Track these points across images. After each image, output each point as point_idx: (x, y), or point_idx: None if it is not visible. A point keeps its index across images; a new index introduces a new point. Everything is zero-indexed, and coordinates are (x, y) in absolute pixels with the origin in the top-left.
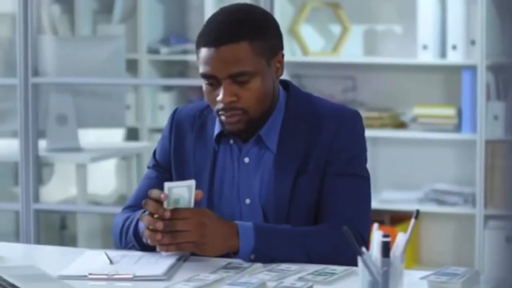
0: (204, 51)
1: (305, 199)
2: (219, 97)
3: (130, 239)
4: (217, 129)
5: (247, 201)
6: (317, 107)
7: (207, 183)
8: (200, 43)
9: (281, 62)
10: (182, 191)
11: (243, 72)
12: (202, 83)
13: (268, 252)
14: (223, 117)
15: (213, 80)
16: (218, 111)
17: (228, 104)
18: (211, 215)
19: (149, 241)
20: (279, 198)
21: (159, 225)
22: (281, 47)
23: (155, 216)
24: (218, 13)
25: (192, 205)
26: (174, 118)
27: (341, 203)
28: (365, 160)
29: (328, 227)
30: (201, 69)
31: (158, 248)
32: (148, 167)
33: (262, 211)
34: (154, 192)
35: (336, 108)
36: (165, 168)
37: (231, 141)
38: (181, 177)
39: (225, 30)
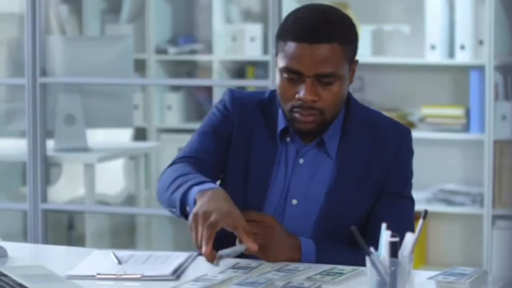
0: (292, 46)
1: (359, 209)
2: (301, 95)
3: (174, 202)
4: (281, 125)
5: (294, 201)
6: (378, 119)
7: (266, 178)
8: (288, 37)
9: (354, 70)
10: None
11: (330, 74)
12: (278, 76)
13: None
14: (297, 115)
15: (295, 76)
16: (293, 107)
17: (309, 102)
18: (278, 222)
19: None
20: (337, 205)
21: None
22: (357, 53)
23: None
24: (306, 10)
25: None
26: (235, 96)
27: (395, 226)
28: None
29: None
30: (285, 62)
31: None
32: (196, 134)
33: (310, 216)
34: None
35: (394, 122)
36: (219, 135)
37: (288, 139)
38: (235, 159)
39: (320, 28)
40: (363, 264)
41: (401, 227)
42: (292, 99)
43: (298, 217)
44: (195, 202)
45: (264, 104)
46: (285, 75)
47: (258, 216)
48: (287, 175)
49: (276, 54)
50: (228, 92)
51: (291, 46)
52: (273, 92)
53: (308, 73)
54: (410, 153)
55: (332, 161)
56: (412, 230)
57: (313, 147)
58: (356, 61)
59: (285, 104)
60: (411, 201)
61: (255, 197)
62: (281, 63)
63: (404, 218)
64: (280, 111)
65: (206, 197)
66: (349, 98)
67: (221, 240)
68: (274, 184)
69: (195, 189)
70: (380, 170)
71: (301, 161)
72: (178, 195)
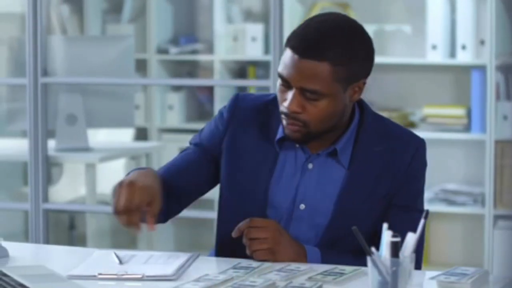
0: (288, 53)
1: (367, 221)
2: (286, 103)
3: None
4: (282, 131)
5: (302, 206)
6: (391, 130)
7: (264, 182)
8: (287, 43)
9: (360, 88)
10: None
11: (314, 91)
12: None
13: None
14: (284, 121)
15: (285, 83)
16: (281, 112)
17: (292, 113)
18: (283, 229)
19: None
20: (345, 214)
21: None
22: (364, 74)
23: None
24: (314, 21)
25: None
26: (237, 105)
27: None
28: (424, 193)
29: None
30: (280, 67)
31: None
32: (190, 143)
33: (317, 222)
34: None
35: (408, 133)
36: (208, 150)
37: (297, 145)
38: (233, 168)
39: (313, 44)
40: None
41: None
42: (282, 105)
43: (305, 222)
44: None
45: (268, 108)
46: (279, 81)
47: (263, 222)
48: (295, 179)
49: None
50: (232, 99)
51: (286, 53)
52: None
53: (294, 84)
54: (423, 165)
55: (344, 170)
56: (422, 243)
57: (323, 154)
58: (362, 81)
59: (279, 109)
60: (421, 215)
61: (255, 202)
62: (278, 68)
63: (414, 231)
64: None
65: (137, 171)
66: (363, 107)
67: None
68: (279, 188)
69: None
70: (391, 183)
71: (310, 166)
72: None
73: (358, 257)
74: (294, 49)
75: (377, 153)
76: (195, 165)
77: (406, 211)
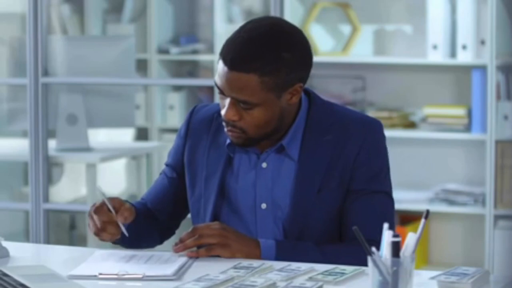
0: (220, 63)
1: (326, 211)
2: (223, 111)
3: None
4: None
5: (263, 205)
6: (340, 118)
7: (216, 187)
8: (221, 53)
9: (298, 91)
10: None
11: (245, 101)
12: None
13: None
14: (225, 128)
15: (221, 91)
16: (222, 119)
17: (229, 121)
18: (228, 225)
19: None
20: (300, 208)
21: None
22: (300, 79)
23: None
24: (244, 30)
25: None
26: (191, 118)
27: (365, 222)
28: (388, 172)
29: (352, 245)
30: (215, 76)
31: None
32: (165, 164)
33: (280, 218)
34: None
35: (359, 118)
36: (174, 167)
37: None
38: (193, 179)
39: (239, 56)
40: (331, 262)
41: (370, 221)
42: (221, 113)
43: (270, 220)
44: None
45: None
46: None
47: (206, 224)
48: (251, 180)
49: None
50: (188, 113)
51: (219, 64)
52: None
53: (227, 94)
54: (378, 147)
55: (294, 163)
56: (389, 224)
57: (272, 150)
58: (298, 85)
59: None
60: (384, 195)
61: (211, 206)
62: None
63: (373, 213)
64: None
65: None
66: (312, 99)
67: None
68: (239, 190)
69: None
70: (342, 170)
71: (264, 165)
72: None
73: (322, 249)
74: (224, 60)
75: (326, 142)
76: (168, 188)
77: (363, 194)
